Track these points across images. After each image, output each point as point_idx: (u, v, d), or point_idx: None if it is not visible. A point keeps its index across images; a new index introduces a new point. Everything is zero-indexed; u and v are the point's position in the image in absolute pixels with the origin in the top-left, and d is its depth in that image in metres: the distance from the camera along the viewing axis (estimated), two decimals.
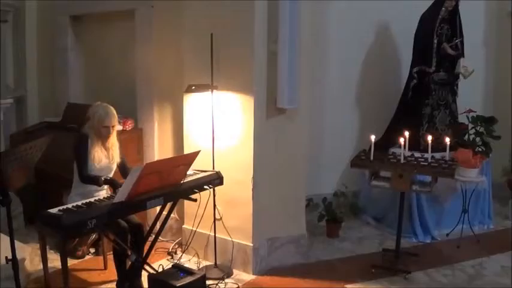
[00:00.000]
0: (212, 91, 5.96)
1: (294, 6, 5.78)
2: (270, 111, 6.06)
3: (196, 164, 5.22)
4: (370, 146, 6.14)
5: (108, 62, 8.02)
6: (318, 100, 7.57)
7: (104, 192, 5.64)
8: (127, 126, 6.94)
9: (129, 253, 5.07)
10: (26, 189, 6.04)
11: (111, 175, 5.62)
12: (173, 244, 6.80)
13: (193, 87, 5.89)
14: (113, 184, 5.38)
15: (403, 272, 6.01)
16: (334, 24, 7.72)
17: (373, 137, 6.09)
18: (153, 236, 5.40)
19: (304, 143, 6.41)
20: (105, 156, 5.60)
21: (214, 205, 6.06)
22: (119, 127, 5.77)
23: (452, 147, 6.57)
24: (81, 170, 5.49)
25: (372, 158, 6.06)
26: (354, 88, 8.06)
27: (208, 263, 6.28)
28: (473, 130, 7.03)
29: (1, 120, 7.24)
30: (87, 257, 6.59)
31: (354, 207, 7.86)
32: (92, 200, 4.80)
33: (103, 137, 5.54)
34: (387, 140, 7.53)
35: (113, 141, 5.65)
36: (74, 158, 5.61)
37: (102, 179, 5.43)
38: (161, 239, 6.47)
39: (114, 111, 5.58)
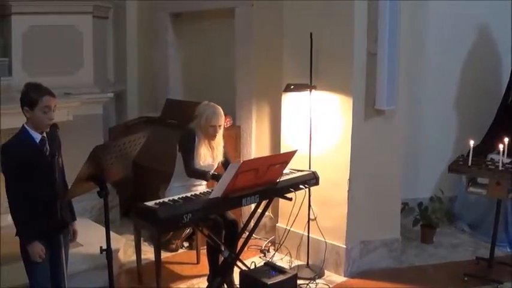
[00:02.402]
0: (311, 91, 5.95)
1: (394, 6, 5.72)
2: (368, 112, 6.01)
3: (293, 164, 5.19)
4: (469, 151, 5.98)
5: (207, 59, 8.13)
6: (416, 101, 7.44)
7: (202, 187, 5.70)
8: (225, 124, 6.93)
9: (223, 249, 5.12)
10: (123, 182, 6.19)
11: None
12: (266, 242, 6.85)
13: (292, 87, 5.89)
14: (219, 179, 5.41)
15: (495, 282, 5.84)
16: (434, 25, 7.56)
17: (471, 142, 5.93)
18: (247, 233, 5.46)
19: (401, 145, 6.34)
20: (210, 155, 5.66)
21: (309, 205, 6.03)
22: None
23: None
24: (188, 165, 5.56)
25: (470, 163, 5.90)
26: (452, 90, 7.86)
27: (300, 263, 6.28)
28: None
29: (102, 114, 7.40)
30: (180, 250, 6.72)
31: (449, 214, 7.70)
32: (189, 194, 4.86)
33: (210, 136, 5.59)
34: (487, 146, 7.32)
35: (219, 140, 5.70)
36: (180, 151, 5.70)
37: (210, 173, 5.51)
38: (254, 236, 6.50)
39: (222, 111, 5.63)
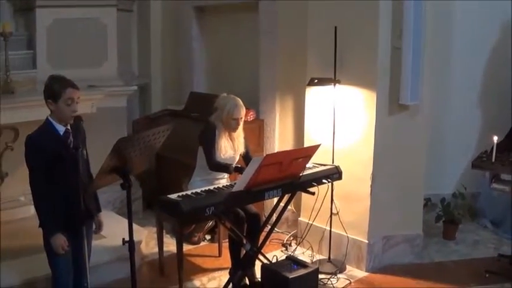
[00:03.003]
0: (335, 85, 5.93)
1: (419, 1, 5.68)
2: (391, 107, 5.97)
3: (316, 158, 5.19)
4: (492, 147, 5.92)
5: (231, 53, 8.13)
6: (440, 97, 7.39)
7: (224, 180, 5.71)
8: (248, 117, 6.88)
9: (245, 242, 5.11)
10: (146, 174, 6.21)
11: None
12: (288, 236, 6.84)
13: (316, 81, 5.87)
14: (242, 172, 5.40)
15: None
16: (458, 21, 7.53)
17: (495, 138, 5.87)
18: (269, 227, 5.45)
19: (424, 140, 6.32)
20: (231, 147, 5.64)
21: (332, 199, 6.02)
22: None
23: None
24: (210, 158, 5.55)
25: (493, 160, 5.85)
26: (477, 86, 7.81)
27: (321, 257, 6.27)
28: None
29: (125, 107, 7.43)
30: (202, 243, 6.74)
31: (472, 210, 7.63)
32: (212, 187, 4.87)
33: (231, 128, 5.58)
34: (511, 142, 7.26)
35: (239, 132, 5.69)
36: (201, 145, 5.69)
37: (233, 166, 5.52)
38: (276, 230, 6.54)
39: (242, 103, 5.61)
